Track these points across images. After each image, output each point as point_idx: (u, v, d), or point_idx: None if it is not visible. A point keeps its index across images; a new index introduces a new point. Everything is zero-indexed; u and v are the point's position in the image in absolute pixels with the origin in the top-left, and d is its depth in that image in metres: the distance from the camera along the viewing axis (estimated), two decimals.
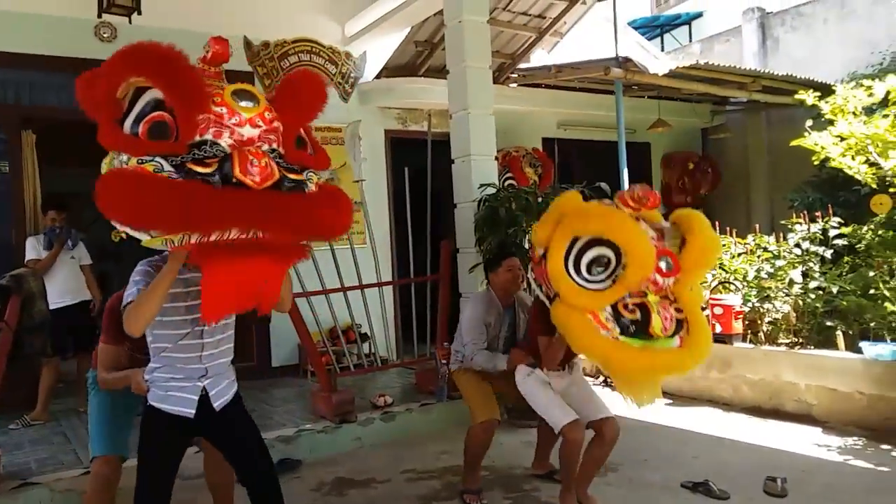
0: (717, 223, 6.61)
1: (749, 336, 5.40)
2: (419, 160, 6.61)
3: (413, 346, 6.08)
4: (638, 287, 2.65)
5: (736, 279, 5.77)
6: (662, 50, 12.78)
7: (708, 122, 9.62)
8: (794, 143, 5.79)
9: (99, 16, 5.16)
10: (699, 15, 13.19)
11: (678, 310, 2.73)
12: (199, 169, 1.90)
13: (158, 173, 1.87)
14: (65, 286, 5.20)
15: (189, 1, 5.68)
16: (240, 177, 1.91)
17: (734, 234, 6.26)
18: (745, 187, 9.54)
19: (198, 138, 1.94)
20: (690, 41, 12.97)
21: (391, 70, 7.62)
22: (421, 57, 7.69)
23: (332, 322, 5.52)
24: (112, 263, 7.75)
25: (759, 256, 5.90)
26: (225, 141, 1.96)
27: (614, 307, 2.67)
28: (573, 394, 3.50)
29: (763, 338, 5.38)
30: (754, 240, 6.05)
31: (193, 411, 2.39)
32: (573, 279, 2.70)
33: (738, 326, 5.39)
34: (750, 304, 5.56)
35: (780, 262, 5.62)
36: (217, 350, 2.46)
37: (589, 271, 2.69)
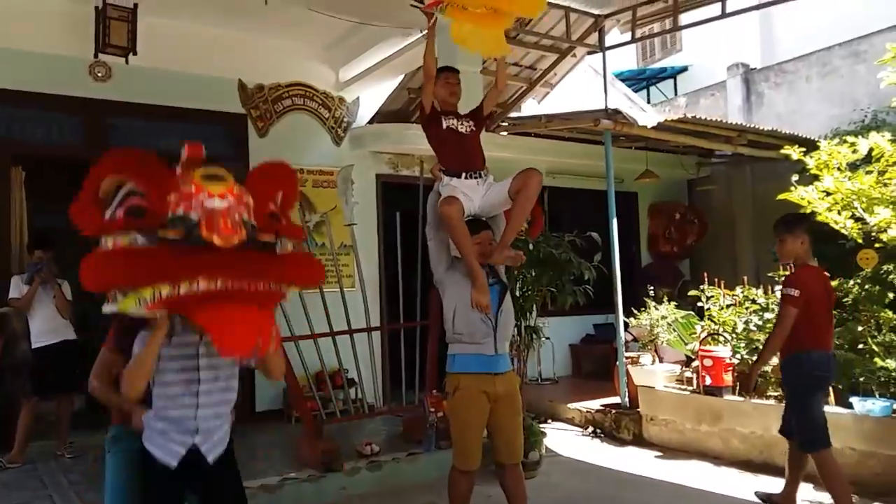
0: (704, 273, 6.75)
1: (739, 389, 5.38)
2: (410, 204, 6.61)
3: (401, 393, 6.00)
4: None
5: (725, 331, 5.78)
6: (649, 102, 13.04)
7: (694, 174, 9.75)
8: (781, 196, 5.86)
9: (95, 56, 5.19)
10: (684, 69, 13.51)
11: None
12: (170, 235, 2.09)
13: (131, 244, 2.09)
14: (46, 325, 5.11)
15: (185, 43, 5.73)
16: (206, 235, 2.08)
17: (722, 286, 6.31)
18: (730, 238, 9.63)
19: (170, 214, 2.11)
20: (676, 94, 13.25)
21: (384, 116, 7.69)
22: (413, 104, 7.77)
23: (320, 366, 5.45)
24: (95, 303, 7.63)
25: (747, 308, 5.94)
26: (195, 214, 2.11)
27: None
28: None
29: (753, 391, 5.35)
30: (742, 291, 6.09)
31: (175, 463, 2.36)
32: None
33: (727, 379, 5.38)
34: (739, 357, 5.57)
35: (768, 315, 5.65)
36: (212, 409, 2.44)
37: None
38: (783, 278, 4.19)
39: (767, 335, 4.36)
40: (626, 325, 6.92)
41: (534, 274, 5.59)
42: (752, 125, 8.73)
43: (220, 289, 2.07)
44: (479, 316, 3.40)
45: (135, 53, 5.15)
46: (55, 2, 5.20)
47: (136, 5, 5.03)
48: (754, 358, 5.09)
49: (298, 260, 2.40)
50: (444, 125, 3.74)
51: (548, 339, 6.99)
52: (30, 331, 4.93)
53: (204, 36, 5.99)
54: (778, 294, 4.30)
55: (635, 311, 6.98)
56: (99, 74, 5.58)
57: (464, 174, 3.67)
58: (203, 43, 6.00)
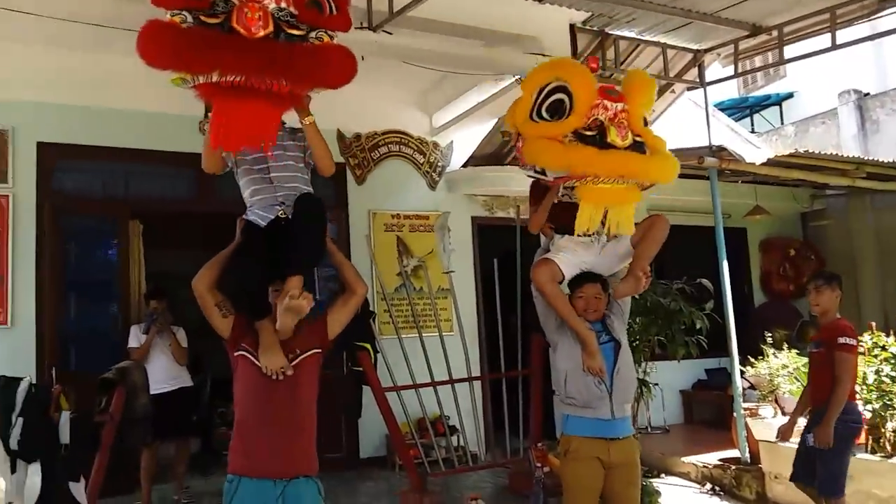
0: None
1: (873, 446, 4.91)
2: (506, 245, 6.56)
3: (504, 439, 5.84)
4: (590, 112, 3.05)
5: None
6: (752, 131, 12.50)
7: (808, 207, 9.21)
8: None
9: (205, 115, 5.43)
10: (790, 95, 12.90)
11: (636, 134, 3.10)
12: (210, 20, 2.30)
13: (182, 23, 2.29)
14: (163, 373, 5.32)
15: None
16: (235, 26, 2.29)
17: None
18: (851, 275, 8.96)
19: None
20: (782, 122, 12.65)
21: (478, 159, 7.70)
22: (507, 146, 7.75)
23: (421, 412, 5.40)
24: (208, 343, 7.93)
25: (877, 356, 5.46)
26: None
27: (575, 132, 3.07)
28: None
29: (889, 448, 4.89)
30: (871, 338, 5.61)
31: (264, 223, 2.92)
32: (533, 121, 3.17)
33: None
34: (871, 410, 5.09)
35: None
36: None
37: (550, 115, 3.12)
38: (836, 328, 4.21)
39: (836, 386, 4.10)
40: (742, 371, 6.51)
41: (642, 323, 5.36)
42: (868, 156, 8.18)
43: (231, 81, 2.28)
44: (593, 380, 3.24)
45: None
46: None
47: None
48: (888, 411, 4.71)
49: (327, 56, 2.49)
50: (560, 200, 3.58)
51: (656, 384, 6.67)
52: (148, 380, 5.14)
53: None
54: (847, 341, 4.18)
55: (751, 358, 6.56)
56: (206, 130, 5.85)
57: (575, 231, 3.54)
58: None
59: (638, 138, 3.19)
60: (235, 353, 2.73)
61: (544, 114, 3.19)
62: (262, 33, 2.32)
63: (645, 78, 3.42)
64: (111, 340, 5.64)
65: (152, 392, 5.14)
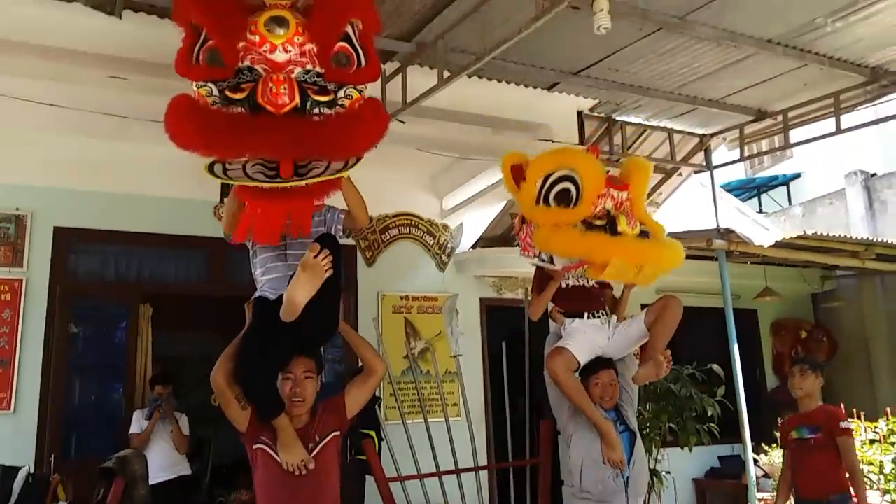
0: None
1: None
2: (514, 326, 6.50)
3: None
4: (597, 202, 3.14)
5: (871, 472, 5.16)
6: (760, 211, 12.56)
7: (818, 288, 9.15)
8: None
9: (221, 200, 5.52)
10: (797, 176, 13.02)
11: (642, 223, 3.23)
12: (234, 96, 2.23)
13: (209, 97, 2.25)
14: (163, 461, 5.23)
15: None
16: (261, 102, 2.22)
17: (862, 417, 5.71)
18: (865, 358, 8.83)
19: (240, 65, 2.24)
20: (790, 203, 12.72)
21: (486, 241, 7.74)
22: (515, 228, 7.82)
23: (425, 503, 5.24)
24: (210, 429, 7.81)
25: (893, 444, 5.31)
26: (259, 67, 2.24)
27: (584, 221, 3.15)
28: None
29: None
30: (887, 425, 5.48)
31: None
32: (544, 207, 3.20)
33: None
34: (890, 500, 4.92)
35: None
36: None
37: (558, 202, 3.17)
38: (833, 413, 4.23)
39: (855, 473, 4.01)
40: (755, 460, 6.33)
41: (652, 410, 5.26)
42: (877, 237, 8.18)
43: (275, 185, 2.24)
44: (611, 472, 3.15)
45: None
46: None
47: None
48: None
49: (358, 119, 2.39)
50: (568, 284, 3.61)
51: (668, 473, 6.48)
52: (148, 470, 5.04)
53: None
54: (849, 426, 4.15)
55: (764, 445, 6.39)
56: (222, 214, 5.93)
57: (586, 314, 3.54)
58: None
59: (643, 226, 3.23)
60: (254, 447, 2.67)
61: (552, 202, 3.23)
62: (288, 107, 2.24)
63: (643, 165, 3.50)
64: (114, 425, 5.56)
65: (151, 481, 5.05)
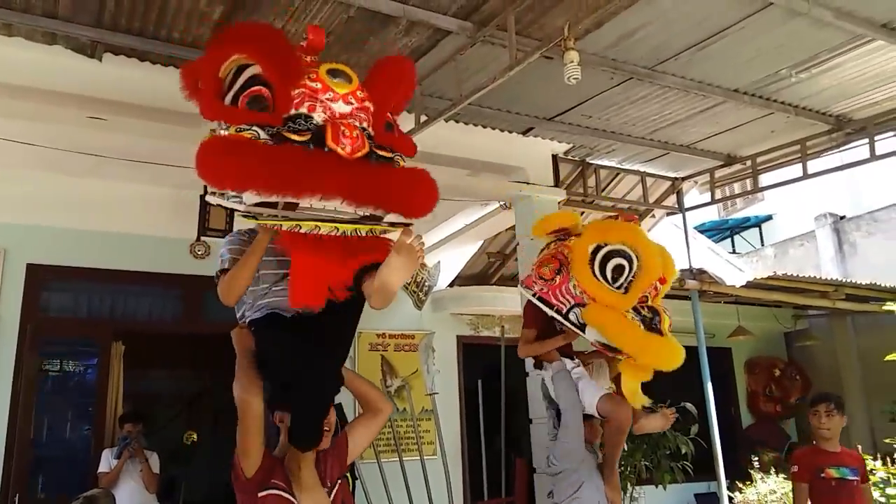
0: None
1: None
2: (491, 363, 6.53)
3: None
4: (646, 291, 3.19)
5: None
6: (733, 251, 12.77)
7: (791, 327, 9.29)
8: (889, 357, 5.51)
9: (198, 238, 5.54)
10: (769, 218, 13.29)
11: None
12: (294, 137, 2.00)
13: (255, 140, 2.00)
14: (132, 500, 5.13)
15: None
16: (332, 145, 1.98)
17: None
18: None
19: (293, 111, 2.04)
20: (762, 244, 12.96)
21: (464, 279, 7.80)
22: (493, 267, 7.88)
23: None
24: (181, 467, 7.69)
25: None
26: (318, 115, 2.05)
27: (633, 308, 3.17)
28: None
29: None
30: None
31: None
32: (602, 283, 3.19)
33: None
34: None
35: (891, 490, 5.10)
36: None
37: (613, 278, 3.18)
38: (858, 456, 4.21)
39: None
40: (730, 497, 6.36)
41: (626, 449, 5.30)
42: (847, 278, 8.36)
43: (334, 235, 2.07)
44: None
45: None
46: (163, 190, 5.67)
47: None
48: None
49: (419, 178, 2.20)
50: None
51: None
52: None
53: None
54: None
55: (739, 483, 6.44)
56: (199, 252, 5.94)
57: (568, 359, 3.65)
58: None
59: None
60: (262, 493, 2.34)
61: (608, 275, 3.26)
62: (360, 152, 2.03)
63: (671, 261, 3.54)
64: (82, 464, 5.47)
65: None
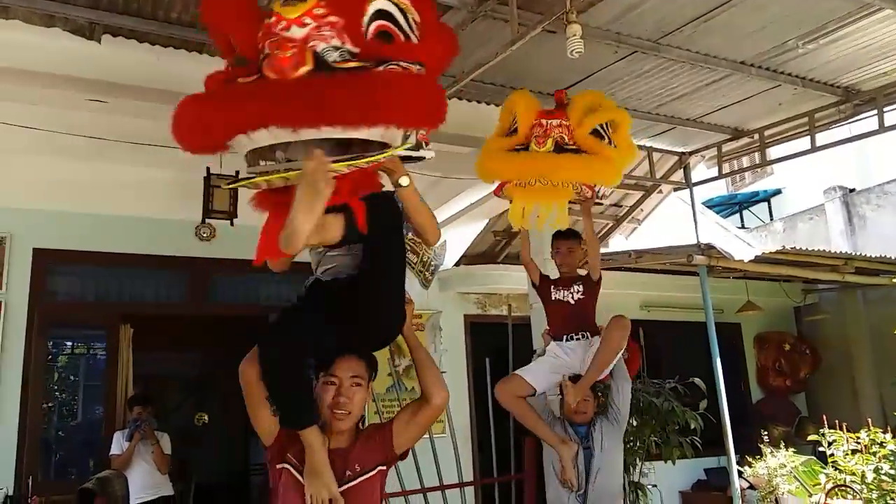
0: (822, 412, 6.20)
1: None
2: (498, 342, 6.52)
3: None
4: (529, 133, 3.38)
5: (854, 482, 5.22)
6: (743, 226, 12.69)
7: (800, 302, 9.25)
8: None
9: (202, 221, 5.54)
10: (778, 192, 13.17)
11: (569, 143, 3.38)
12: (241, 79, 1.99)
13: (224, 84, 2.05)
14: (144, 482, 5.20)
15: None
16: (266, 72, 1.91)
17: (844, 428, 5.76)
18: (848, 370, 8.92)
19: (261, 54, 1.97)
20: (771, 218, 12.86)
21: (470, 258, 7.78)
22: (499, 245, 7.86)
23: None
24: (192, 449, 7.77)
25: (875, 453, 5.37)
26: (268, 49, 1.96)
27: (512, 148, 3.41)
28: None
29: None
30: (868, 435, 5.53)
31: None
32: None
33: None
34: None
35: None
36: None
37: None
38: None
39: None
40: (740, 472, 6.37)
41: (635, 424, 5.29)
42: (857, 251, 8.30)
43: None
44: (566, 493, 3.21)
45: (236, 216, 5.47)
46: (167, 172, 5.66)
47: (237, 172, 5.39)
48: None
49: (397, 83, 1.95)
50: (553, 297, 3.74)
51: (655, 486, 6.50)
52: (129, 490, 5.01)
53: None
54: None
55: (749, 458, 6.44)
56: (204, 235, 5.95)
57: (565, 337, 3.64)
58: None
59: (570, 145, 3.37)
60: (277, 466, 2.17)
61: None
62: (299, 71, 1.88)
63: (587, 95, 3.72)
64: (94, 446, 5.53)
65: (132, 502, 5.02)
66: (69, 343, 5.78)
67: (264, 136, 1.94)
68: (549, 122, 3.42)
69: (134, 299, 5.92)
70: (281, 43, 1.90)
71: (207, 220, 5.56)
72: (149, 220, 5.85)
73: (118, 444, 5.22)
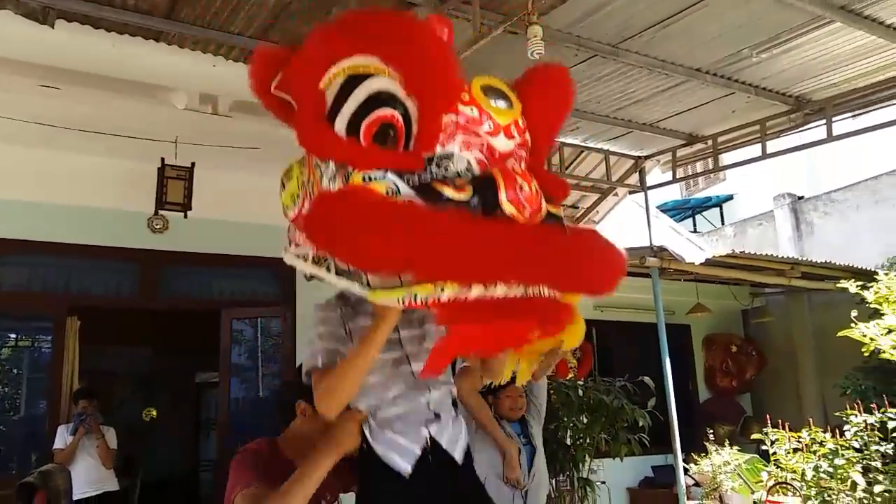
0: (766, 412, 6.38)
1: None
2: None
3: None
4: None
5: (794, 480, 5.39)
6: (694, 231, 12.98)
7: (748, 305, 9.50)
8: (841, 333, 5.65)
9: (155, 212, 5.43)
10: (730, 198, 13.51)
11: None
12: (451, 193, 1.37)
13: (394, 196, 1.38)
14: (88, 476, 5.09)
15: (239, 195, 5.97)
16: (507, 207, 1.39)
17: (786, 427, 5.95)
18: (792, 372, 9.21)
19: (439, 150, 1.43)
20: (723, 223, 13.19)
21: None
22: None
23: None
24: (140, 445, 7.62)
25: (815, 452, 5.56)
26: (474, 155, 1.44)
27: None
28: None
29: None
30: (809, 434, 5.72)
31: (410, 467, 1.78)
32: None
33: None
34: None
35: (839, 461, 5.27)
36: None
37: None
38: None
39: None
40: (686, 469, 6.52)
41: (585, 421, 5.38)
42: (804, 256, 8.55)
43: (515, 297, 1.38)
44: (510, 491, 3.25)
45: (190, 209, 5.37)
46: (120, 162, 5.54)
47: (193, 164, 5.31)
48: None
49: (593, 243, 1.61)
50: None
51: (603, 483, 6.62)
52: (72, 485, 4.90)
53: (255, 187, 6.20)
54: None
55: (695, 455, 6.60)
56: (156, 227, 5.82)
57: None
58: (254, 194, 6.20)
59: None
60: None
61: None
62: (539, 217, 1.46)
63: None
64: (37, 440, 5.38)
65: (75, 497, 4.91)
66: (13, 335, 5.61)
67: (478, 290, 1.38)
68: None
69: (82, 291, 5.75)
70: (514, 168, 1.43)
71: (161, 212, 5.45)
72: (99, 210, 5.70)
73: (62, 438, 5.09)
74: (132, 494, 6.41)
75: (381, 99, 1.44)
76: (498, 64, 4.56)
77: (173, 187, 5.15)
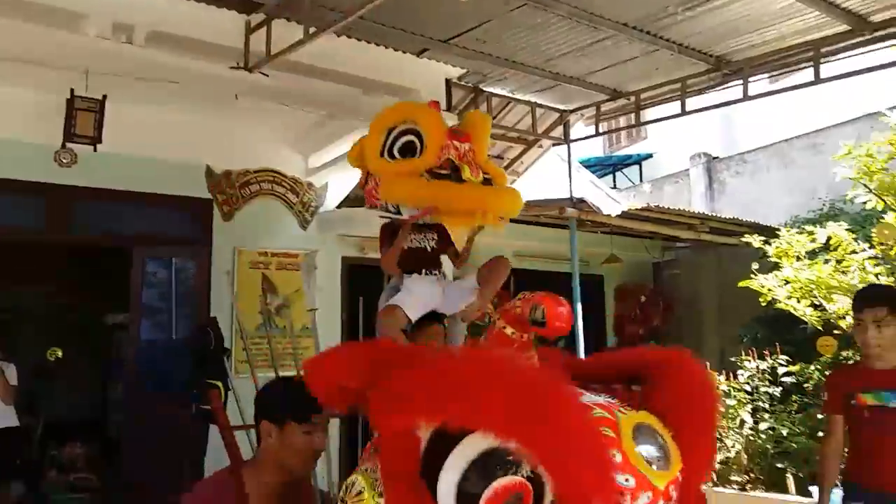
0: None
1: None
2: (376, 285, 6.55)
3: None
4: (440, 153, 3.05)
5: None
6: (614, 187, 13.33)
7: (660, 258, 9.90)
8: (741, 284, 5.97)
9: (63, 145, 5.15)
10: (649, 156, 13.90)
11: (486, 172, 3.19)
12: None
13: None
14: None
15: (153, 130, 5.73)
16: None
17: None
18: (696, 321, 9.72)
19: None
20: (641, 180, 13.59)
21: (352, 201, 7.70)
22: None
23: None
24: (45, 384, 7.38)
25: None
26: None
27: (428, 171, 3.04)
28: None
29: (715, 478, 5.29)
30: None
31: None
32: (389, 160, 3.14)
33: None
34: None
35: (730, 402, 5.65)
36: None
37: (402, 155, 3.09)
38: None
39: None
40: None
41: None
42: (714, 213, 8.94)
43: None
44: None
45: (100, 142, 5.12)
46: (24, 91, 5.20)
47: (104, 96, 5.04)
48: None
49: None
50: (408, 247, 3.68)
51: None
52: None
53: (172, 123, 5.99)
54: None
55: None
56: (64, 160, 5.51)
57: (424, 271, 3.64)
58: (171, 130, 6.00)
59: (486, 175, 3.36)
60: None
61: (396, 154, 3.26)
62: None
63: (482, 117, 3.60)
64: None
65: None
66: None
67: None
68: (462, 145, 3.30)
69: None
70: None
71: (68, 145, 5.17)
72: (3, 141, 5.35)
73: None
74: (34, 431, 6.25)
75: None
76: (430, 7, 4.52)
77: (83, 119, 4.87)
